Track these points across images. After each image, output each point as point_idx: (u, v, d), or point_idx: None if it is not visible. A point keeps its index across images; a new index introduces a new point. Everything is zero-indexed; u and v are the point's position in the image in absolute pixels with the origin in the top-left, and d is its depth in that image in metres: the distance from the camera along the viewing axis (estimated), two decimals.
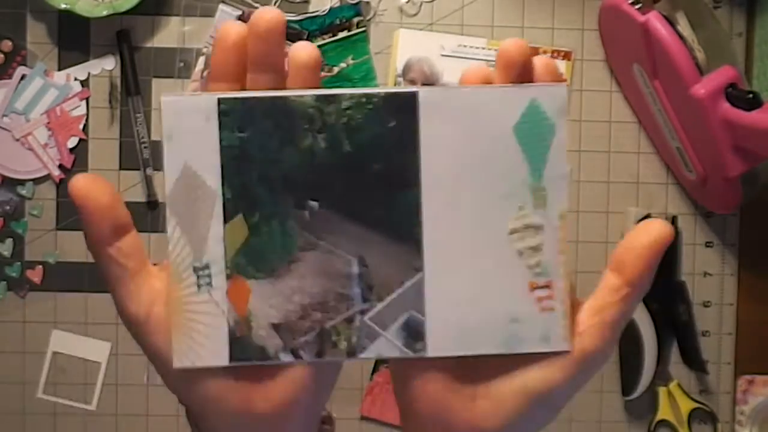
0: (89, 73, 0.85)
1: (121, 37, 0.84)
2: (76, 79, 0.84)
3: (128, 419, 0.86)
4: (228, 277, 0.37)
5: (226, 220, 0.37)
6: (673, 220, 0.85)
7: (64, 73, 0.84)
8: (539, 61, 0.38)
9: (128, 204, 0.86)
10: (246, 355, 0.37)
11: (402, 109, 0.37)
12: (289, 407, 0.38)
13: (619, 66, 0.84)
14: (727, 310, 0.87)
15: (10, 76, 0.84)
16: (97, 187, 0.37)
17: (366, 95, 0.37)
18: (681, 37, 0.72)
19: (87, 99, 0.85)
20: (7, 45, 0.84)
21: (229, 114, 0.36)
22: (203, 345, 0.37)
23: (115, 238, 0.38)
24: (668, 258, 0.83)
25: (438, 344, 0.38)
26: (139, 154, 0.84)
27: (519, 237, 0.38)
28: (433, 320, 0.38)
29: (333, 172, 0.37)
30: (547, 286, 0.38)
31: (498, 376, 0.38)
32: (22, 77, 0.84)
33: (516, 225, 0.38)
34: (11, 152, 0.84)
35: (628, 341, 0.84)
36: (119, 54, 0.84)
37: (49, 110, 0.84)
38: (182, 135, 0.37)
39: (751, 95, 0.69)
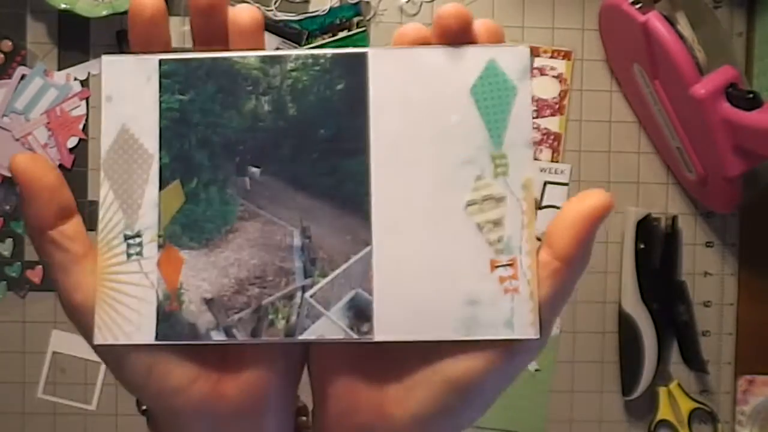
0: (89, 73, 0.85)
1: (120, 37, 0.84)
2: (76, 79, 0.85)
3: (128, 419, 0.86)
4: (160, 246, 0.34)
5: (161, 186, 0.34)
6: (673, 220, 0.85)
7: (64, 72, 0.84)
8: (482, 26, 0.35)
9: None
10: (175, 333, 0.33)
11: (351, 71, 0.34)
12: (263, 393, 0.35)
13: (620, 66, 0.84)
14: (728, 310, 0.87)
15: (10, 76, 0.84)
16: (41, 167, 0.34)
17: (313, 56, 0.34)
18: (681, 36, 0.72)
19: (87, 99, 0.85)
20: (7, 45, 0.84)
21: (170, 75, 0.34)
22: (129, 320, 0.33)
23: (59, 221, 0.35)
24: (668, 258, 0.83)
25: (386, 327, 0.33)
26: None
27: (478, 209, 0.34)
28: (382, 300, 0.34)
29: (277, 137, 0.34)
30: (510, 265, 0.34)
31: (412, 360, 0.34)
32: (22, 77, 0.84)
33: (474, 196, 0.34)
34: (11, 152, 0.84)
35: (628, 341, 0.84)
36: (119, 53, 0.84)
37: (49, 110, 0.84)
38: (122, 96, 0.35)
39: (751, 95, 0.69)
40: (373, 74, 0.34)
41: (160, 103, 0.34)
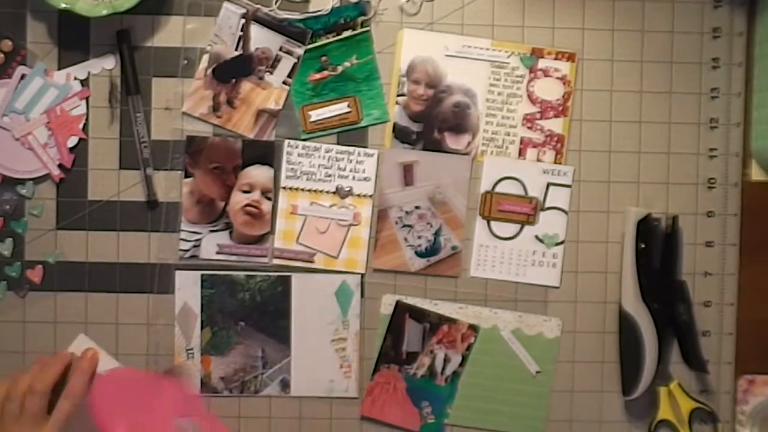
0: (89, 73, 0.84)
1: (120, 37, 0.83)
2: (76, 79, 0.84)
3: None
4: (201, 354, 0.86)
5: (201, 328, 0.86)
6: (674, 220, 0.86)
7: (63, 72, 0.84)
8: None
9: (128, 203, 0.87)
10: (206, 392, 0.86)
11: (284, 283, 0.86)
12: None
13: None
14: (728, 310, 0.88)
15: (10, 76, 0.83)
16: None
17: (268, 276, 0.86)
18: None
19: (87, 98, 0.84)
20: (7, 45, 0.84)
21: (205, 281, 0.85)
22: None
23: None
24: (669, 258, 0.84)
25: (294, 391, 0.86)
26: (139, 153, 0.84)
27: (336, 343, 0.86)
28: (295, 380, 0.86)
29: (252, 309, 0.86)
30: (348, 367, 0.86)
31: None
32: (22, 77, 0.83)
33: (334, 337, 0.86)
34: (11, 152, 0.84)
35: (628, 340, 0.84)
36: (119, 53, 0.84)
37: (49, 110, 0.84)
38: (183, 290, 0.86)
39: None
40: (294, 286, 0.86)
41: (201, 293, 0.86)
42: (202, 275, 0.85)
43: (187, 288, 0.85)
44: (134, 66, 0.84)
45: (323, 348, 0.86)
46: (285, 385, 0.86)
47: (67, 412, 0.78)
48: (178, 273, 0.85)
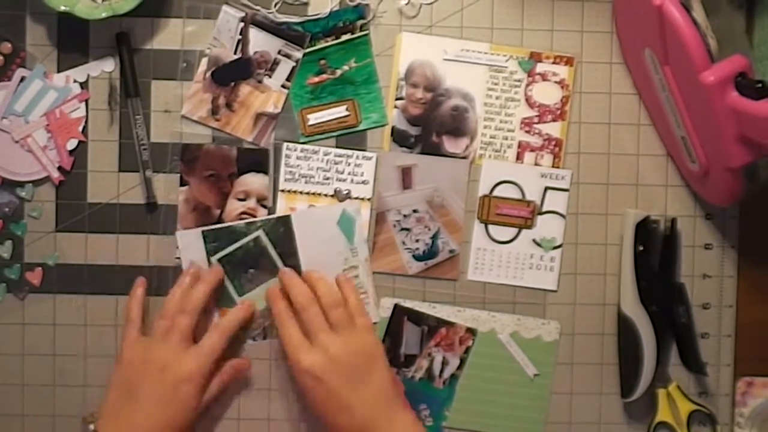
0: (89, 75, 0.85)
1: (120, 39, 0.84)
2: (75, 81, 0.84)
3: None
4: (218, 309, 0.85)
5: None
6: (672, 222, 0.86)
7: (63, 75, 0.84)
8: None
9: (127, 206, 0.87)
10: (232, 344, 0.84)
11: (285, 223, 0.85)
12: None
13: (630, 52, 0.84)
14: (727, 312, 0.88)
15: (9, 78, 0.83)
16: None
17: (268, 219, 0.84)
18: (695, 22, 0.71)
19: (86, 101, 0.84)
20: (7, 47, 0.84)
21: (207, 236, 0.84)
22: None
23: None
24: (667, 260, 0.84)
25: None
26: (138, 156, 0.84)
27: (348, 272, 0.85)
28: None
29: (258, 254, 0.85)
30: (365, 293, 0.85)
31: None
32: (22, 79, 0.83)
33: (345, 267, 0.85)
34: (11, 154, 0.84)
35: (627, 343, 0.84)
36: (119, 55, 0.84)
37: (48, 112, 0.84)
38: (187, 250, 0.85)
39: (759, 85, 0.68)
40: (295, 224, 0.85)
41: (206, 248, 0.85)
42: (202, 231, 0.84)
43: (191, 246, 0.84)
44: (134, 68, 0.84)
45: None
46: None
47: (217, 347, 0.80)
48: (179, 234, 0.85)
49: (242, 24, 0.84)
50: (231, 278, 0.85)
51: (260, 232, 0.84)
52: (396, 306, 0.86)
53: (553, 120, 0.86)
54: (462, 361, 0.86)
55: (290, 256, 0.85)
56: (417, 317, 0.86)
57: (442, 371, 0.86)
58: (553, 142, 0.86)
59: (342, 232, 0.85)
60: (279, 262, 0.85)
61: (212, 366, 0.79)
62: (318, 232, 0.85)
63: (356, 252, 0.85)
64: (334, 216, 0.85)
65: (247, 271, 0.85)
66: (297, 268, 0.84)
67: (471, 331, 0.86)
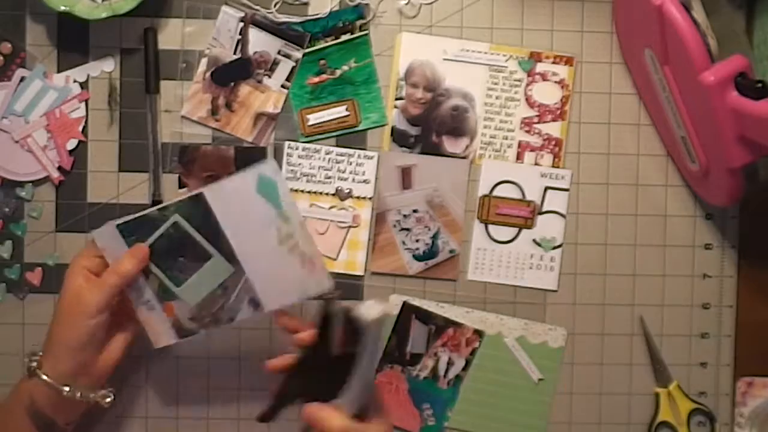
0: (88, 75, 0.85)
1: (148, 34, 0.83)
2: (75, 81, 0.84)
3: (128, 420, 0.86)
4: (161, 303, 0.77)
5: (147, 278, 0.77)
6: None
7: (63, 75, 0.84)
8: None
9: (127, 206, 0.87)
10: (183, 334, 0.78)
11: (198, 202, 0.75)
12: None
13: (630, 52, 0.84)
14: (727, 312, 0.88)
15: (9, 78, 0.83)
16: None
17: (180, 201, 0.75)
18: (695, 22, 0.71)
19: (86, 101, 0.84)
20: (7, 47, 0.84)
21: (122, 230, 0.76)
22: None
23: None
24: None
25: (267, 307, 0.76)
26: (151, 152, 0.84)
27: (284, 243, 0.75)
28: (263, 296, 0.76)
29: (182, 240, 0.76)
30: (311, 262, 0.74)
31: None
32: (22, 79, 0.83)
33: (279, 238, 0.74)
34: (10, 154, 0.84)
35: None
36: (144, 51, 0.84)
37: (48, 112, 0.84)
38: (108, 249, 0.77)
39: (760, 85, 0.68)
40: (210, 201, 0.75)
41: (126, 242, 0.77)
42: (117, 225, 0.75)
43: (111, 244, 0.76)
44: (158, 64, 0.84)
45: (275, 253, 0.74)
46: (256, 304, 0.76)
47: (115, 285, 0.74)
48: (95, 233, 0.76)
49: (242, 24, 0.84)
50: (164, 270, 0.76)
51: (176, 217, 0.75)
52: (405, 303, 0.86)
53: (553, 120, 0.86)
54: (467, 363, 0.86)
55: (216, 238, 0.75)
56: (425, 316, 0.86)
57: (447, 371, 0.86)
58: (553, 142, 0.86)
59: (265, 199, 0.74)
60: (206, 245, 0.75)
61: (113, 303, 0.75)
62: (238, 205, 0.74)
63: (287, 218, 0.74)
64: (251, 183, 0.74)
65: (177, 260, 0.76)
66: (229, 250, 0.75)
67: (478, 333, 0.86)
